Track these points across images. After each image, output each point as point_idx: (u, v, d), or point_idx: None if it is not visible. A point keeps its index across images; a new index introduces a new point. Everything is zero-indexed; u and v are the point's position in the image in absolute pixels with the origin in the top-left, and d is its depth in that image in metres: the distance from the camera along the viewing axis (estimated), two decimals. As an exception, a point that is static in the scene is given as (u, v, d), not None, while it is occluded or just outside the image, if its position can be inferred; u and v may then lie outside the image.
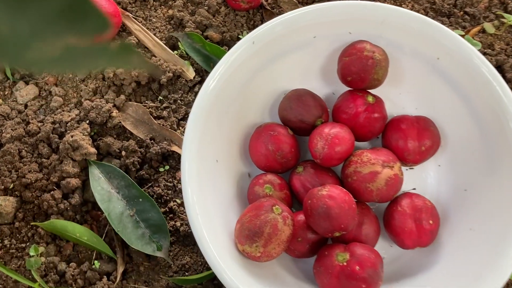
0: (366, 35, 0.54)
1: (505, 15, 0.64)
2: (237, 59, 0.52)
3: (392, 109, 0.57)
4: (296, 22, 0.53)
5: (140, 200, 0.55)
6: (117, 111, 0.60)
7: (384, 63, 0.52)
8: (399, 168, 0.51)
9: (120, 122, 0.59)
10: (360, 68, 0.51)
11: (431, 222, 0.50)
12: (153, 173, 0.58)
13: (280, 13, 0.65)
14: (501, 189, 0.49)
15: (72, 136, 0.56)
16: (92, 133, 0.59)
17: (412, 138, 0.53)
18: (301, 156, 0.57)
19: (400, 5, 0.67)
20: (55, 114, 0.60)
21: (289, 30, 0.53)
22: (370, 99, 0.53)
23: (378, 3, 0.52)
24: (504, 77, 0.62)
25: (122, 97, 0.60)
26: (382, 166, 0.50)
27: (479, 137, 0.52)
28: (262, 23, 0.65)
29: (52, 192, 0.56)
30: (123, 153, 0.58)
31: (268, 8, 0.65)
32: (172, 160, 0.59)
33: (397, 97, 0.58)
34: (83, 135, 0.57)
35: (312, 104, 0.54)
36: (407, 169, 0.56)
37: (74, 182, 0.56)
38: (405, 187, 0.54)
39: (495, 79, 0.50)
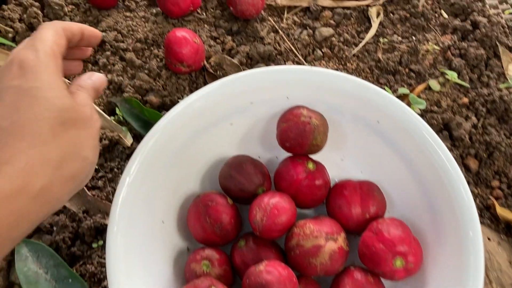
0: (304, 100, 0.52)
1: (449, 72, 0.64)
2: (168, 128, 0.49)
3: (337, 173, 0.55)
4: (231, 88, 0.51)
5: (70, 280, 0.51)
6: (49, 183, 0.56)
7: (322, 128, 0.50)
8: (343, 240, 0.48)
9: (52, 195, 0.56)
10: (297, 134, 0.50)
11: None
12: (86, 249, 0.54)
13: (223, 75, 0.64)
14: (449, 257, 0.47)
15: (-4, 213, 0.52)
16: (21, 208, 0.55)
17: (355, 205, 0.50)
18: (245, 227, 0.54)
19: (345, 64, 0.66)
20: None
21: (225, 96, 0.52)
22: (310, 165, 0.51)
23: (314, 68, 0.51)
24: (451, 135, 0.61)
25: (55, 168, 0.57)
26: (326, 239, 0.47)
27: (425, 201, 0.50)
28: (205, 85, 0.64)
29: (-28, 276, 0.51)
30: (54, 228, 0.54)
31: (211, 71, 0.64)
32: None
33: (341, 161, 0.56)
34: (9, 211, 0.53)
35: (252, 172, 0.51)
36: (355, 237, 0.54)
37: (-2, 263, 0.52)
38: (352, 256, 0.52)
39: (434, 141, 0.48)
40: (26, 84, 0.34)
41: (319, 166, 0.52)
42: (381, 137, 0.52)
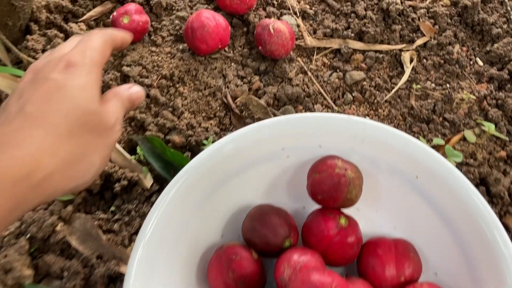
0: (338, 149, 0.49)
1: (485, 123, 0.61)
2: (194, 174, 0.46)
3: (369, 228, 0.52)
4: (263, 133, 0.49)
5: (79, 333, 0.48)
6: (62, 224, 0.53)
7: (357, 181, 0.47)
8: (376, 304, 0.44)
9: (65, 237, 0.53)
10: (331, 187, 0.46)
11: None
12: (98, 298, 0.51)
13: (249, 116, 0.61)
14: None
15: (5, 256, 0.49)
16: (32, 250, 0.52)
17: (389, 266, 0.47)
18: (269, 282, 0.50)
19: (377, 110, 0.63)
20: (-7, 225, 0.53)
21: (255, 142, 0.49)
22: (342, 221, 0.47)
23: (350, 116, 0.48)
24: (488, 191, 0.58)
25: (69, 208, 0.54)
26: (358, 303, 0.43)
27: (465, 265, 0.46)
28: (230, 127, 0.61)
29: (-25, 324, 0.48)
30: (65, 273, 0.51)
31: (237, 111, 0.61)
32: (120, 283, 0.51)
33: (374, 215, 0.52)
34: (20, 254, 0.50)
35: (277, 223, 0.48)
36: (386, 299, 0.50)
37: (3, 310, 0.48)
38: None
39: (479, 201, 0.45)
40: (64, 82, 0.36)
41: (351, 221, 0.48)
42: (418, 193, 0.49)
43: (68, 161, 0.35)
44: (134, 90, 0.43)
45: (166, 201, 0.44)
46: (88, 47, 0.39)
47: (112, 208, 0.55)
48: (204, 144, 0.58)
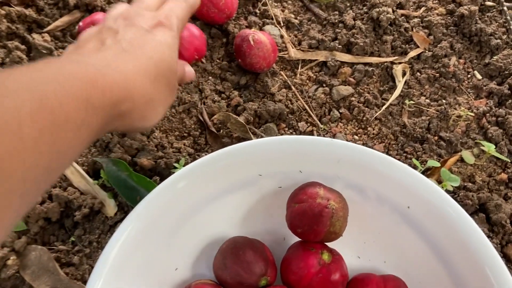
0: (320, 175, 0.44)
1: (484, 143, 0.55)
2: (159, 202, 0.41)
3: (356, 262, 0.46)
4: (237, 158, 0.44)
5: None
6: (15, 257, 0.48)
7: (341, 212, 0.42)
8: None
9: (18, 272, 0.47)
10: (312, 219, 0.41)
11: None
12: None
13: (227, 135, 0.56)
14: None
15: None
16: (-21, 287, 0.47)
17: (379, 308, 0.41)
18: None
19: (366, 128, 0.58)
20: None
21: (228, 168, 0.44)
22: (325, 256, 0.42)
23: (333, 140, 0.43)
24: (488, 218, 0.52)
25: (23, 239, 0.48)
26: None
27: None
28: (206, 147, 0.56)
29: None
30: (16, 314, 0.46)
31: (213, 129, 0.56)
32: (78, 325, 0.46)
33: (361, 247, 0.47)
34: (-37, 293, 0.45)
35: (252, 260, 0.43)
36: None
37: None
38: None
39: (478, 236, 0.40)
40: (158, 36, 0.40)
41: (335, 256, 0.43)
42: (410, 224, 0.44)
43: (147, 103, 0.38)
44: (188, 69, 0.49)
45: (120, 240, 0.39)
46: (174, 15, 0.43)
47: (73, 238, 0.50)
48: (175, 167, 0.52)
